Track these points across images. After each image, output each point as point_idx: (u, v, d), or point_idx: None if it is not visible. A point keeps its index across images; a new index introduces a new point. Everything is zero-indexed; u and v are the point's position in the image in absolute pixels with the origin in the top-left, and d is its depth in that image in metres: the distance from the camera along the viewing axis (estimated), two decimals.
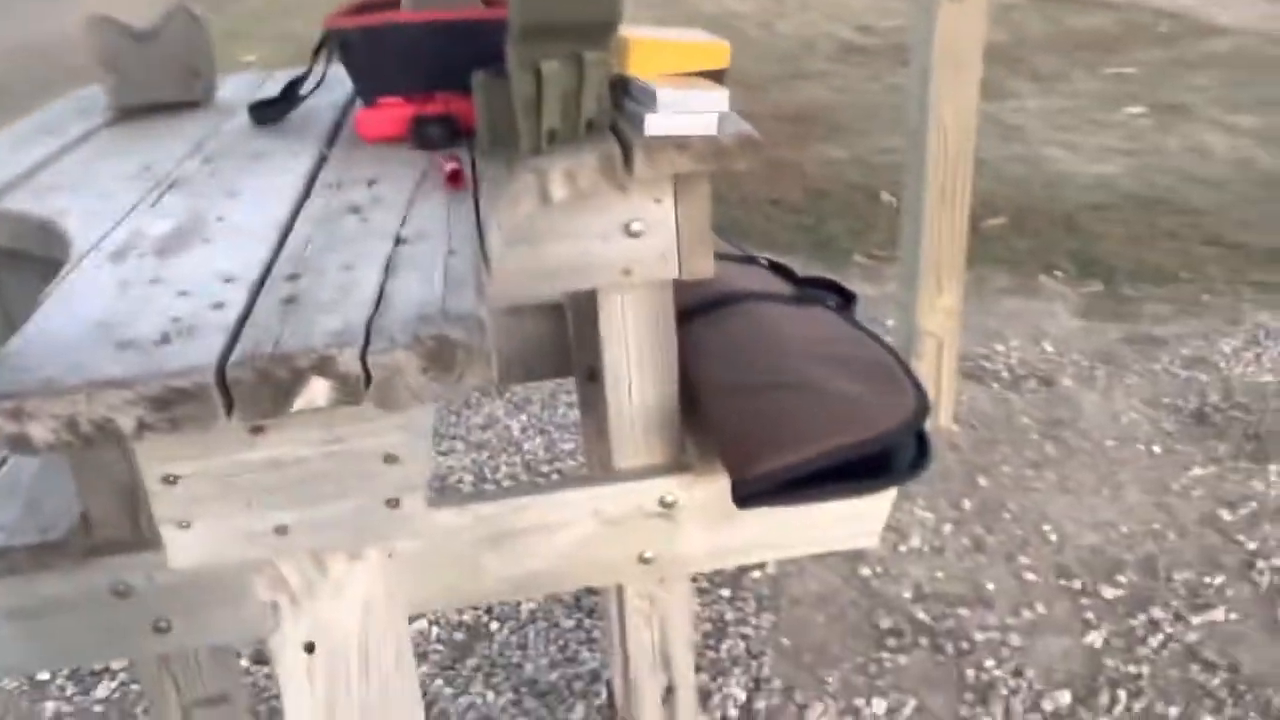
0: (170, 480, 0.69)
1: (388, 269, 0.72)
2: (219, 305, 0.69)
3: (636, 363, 1.16)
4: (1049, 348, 3.02)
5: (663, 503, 1.18)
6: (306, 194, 0.92)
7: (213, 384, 0.61)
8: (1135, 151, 4.55)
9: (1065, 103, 5.30)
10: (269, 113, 1.21)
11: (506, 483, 2.47)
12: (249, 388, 0.61)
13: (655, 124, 1.02)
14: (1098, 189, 4.14)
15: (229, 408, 0.62)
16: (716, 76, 1.11)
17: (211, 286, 0.72)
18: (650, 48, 1.07)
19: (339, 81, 1.20)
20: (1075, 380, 2.84)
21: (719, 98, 1.04)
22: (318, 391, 0.62)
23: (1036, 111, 5.15)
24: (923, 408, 1.10)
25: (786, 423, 1.09)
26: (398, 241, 0.78)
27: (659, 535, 1.19)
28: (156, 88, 1.29)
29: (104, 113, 1.31)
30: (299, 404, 0.62)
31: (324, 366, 0.62)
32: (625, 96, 1.10)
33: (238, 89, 1.40)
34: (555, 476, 2.49)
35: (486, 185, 0.91)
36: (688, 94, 1.03)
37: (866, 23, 7.20)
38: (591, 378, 1.55)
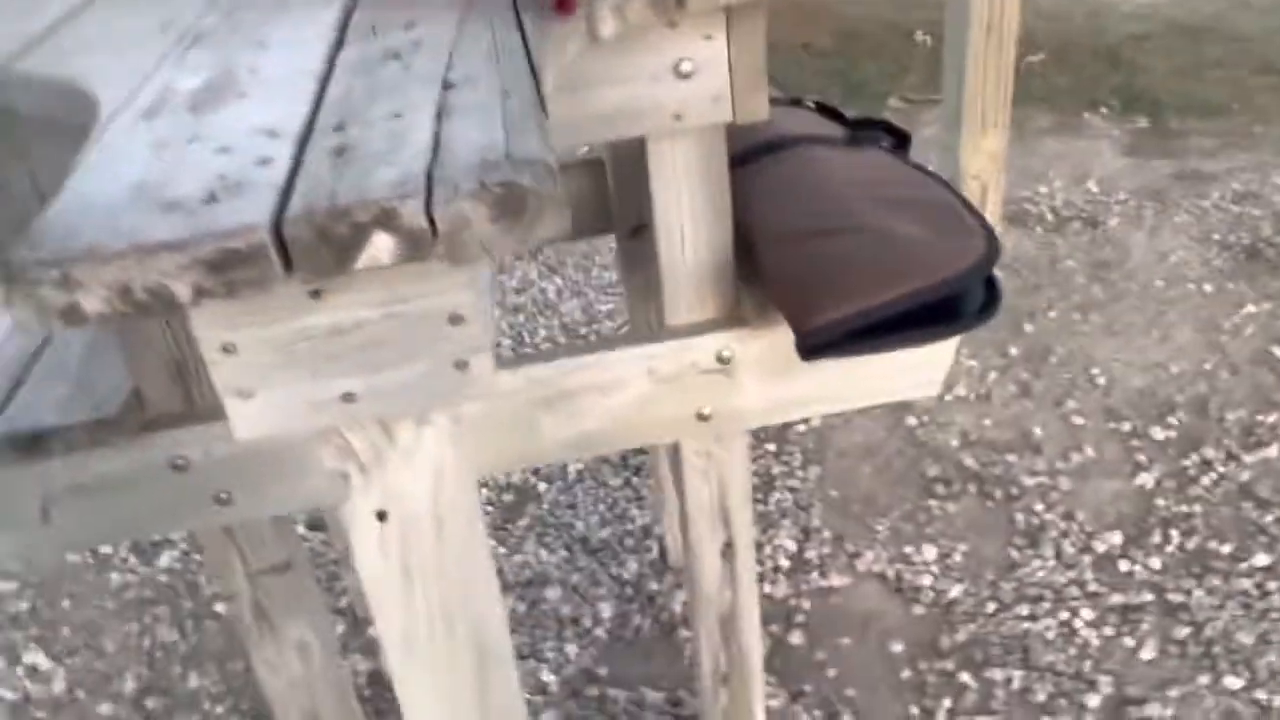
0: (230, 349, 0.66)
1: (440, 115, 0.67)
2: (265, 161, 0.64)
3: (689, 213, 1.11)
4: (1094, 187, 2.92)
5: (719, 358, 1.15)
6: (340, 43, 0.86)
7: (269, 243, 0.57)
8: None
9: None
10: None
11: (545, 346, 2.46)
12: (308, 245, 0.57)
13: None
14: (1141, 19, 3.94)
15: (288, 267, 0.58)
16: None
17: (254, 141, 0.67)
18: None
19: None
20: (1122, 220, 2.76)
21: None
22: (381, 248, 0.58)
23: None
24: (993, 250, 1.05)
25: (850, 269, 1.05)
26: (446, 86, 0.73)
27: (717, 391, 1.16)
28: None
29: None
30: (362, 262, 0.58)
31: (386, 220, 0.57)
32: None
33: None
34: (593, 339, 2.47)
35: (530, 26, 0.85)
36: None
37: None
38: (635, 234, 1.50)
